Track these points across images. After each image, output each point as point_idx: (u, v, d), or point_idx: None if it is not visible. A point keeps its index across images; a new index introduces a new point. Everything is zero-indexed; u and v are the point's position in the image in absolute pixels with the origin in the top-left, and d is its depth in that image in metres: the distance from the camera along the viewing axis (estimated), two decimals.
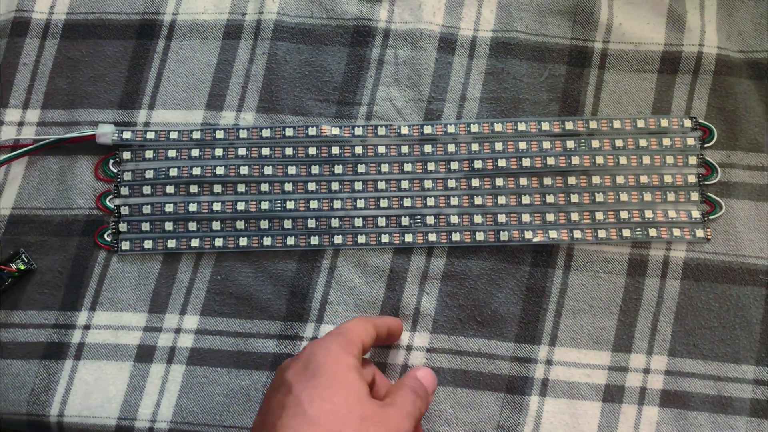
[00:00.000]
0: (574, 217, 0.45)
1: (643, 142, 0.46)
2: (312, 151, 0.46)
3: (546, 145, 0.46)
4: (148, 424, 0.44)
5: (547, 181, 0.46)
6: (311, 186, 0.46)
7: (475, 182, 0.46)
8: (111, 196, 0.47)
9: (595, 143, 0.46)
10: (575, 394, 0.44)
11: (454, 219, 0.45)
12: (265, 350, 0.45)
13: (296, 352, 0.45)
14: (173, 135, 0.47)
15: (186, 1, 0.49)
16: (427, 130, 0.46)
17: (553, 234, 0.45)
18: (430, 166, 0.46)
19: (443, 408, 0.44)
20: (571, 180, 0.46)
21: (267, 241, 0.46)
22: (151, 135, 0.47)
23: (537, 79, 0.47)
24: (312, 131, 0.46)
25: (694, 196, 0.46)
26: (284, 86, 0.48)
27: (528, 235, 0.45)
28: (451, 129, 0.46)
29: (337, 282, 0.46)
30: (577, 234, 0.45)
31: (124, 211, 0.46)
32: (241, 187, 0.46)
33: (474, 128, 0.46)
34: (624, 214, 0.45)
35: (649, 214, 0.45)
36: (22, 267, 0.45)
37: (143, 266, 0.46)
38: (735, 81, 0.47)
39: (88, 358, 0.45)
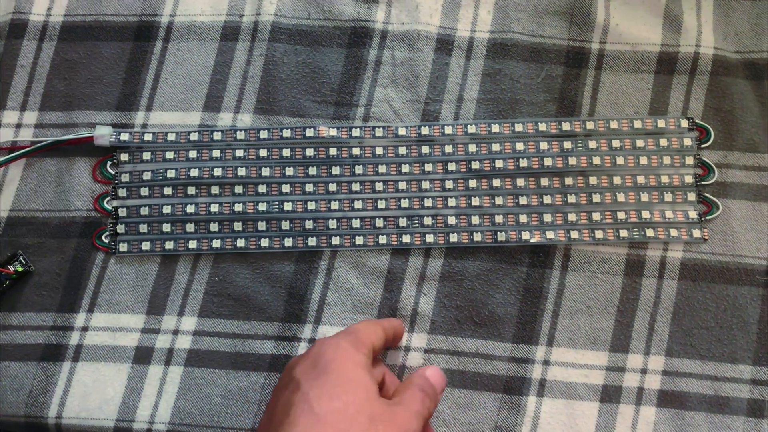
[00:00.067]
0: (571, 217, 0.45)
1: (640, 143, 0.46)
2: (309, 152, 0.46)
3: (543, 145, 0.46)
4: (146, 426, 0.44)
5: (545, 181, 0.46)
6: (309, 187, 0.46)
7: (473, 183, 0.46)
8: (109, 198, 0.47)
9: (592, 144, 0.46)
10: (573, 395, 0.44)
11: (452, 220, 0.46)
12: (263, 351, 0.45)
13: (294, 353, 0.45)
14: (171, 136, 0.47)
15: (183, 3, 0.49)
16: (425, 131, 0.46)
17: (550, 234, 0.45)
18: (428, 167, 0.46)
19: (441, 408, 0.44)
20: (568, 180, 0.46)
21: (265, 242, 0.46)
22: (148, 137, 0.47)
23: (534, 80, 0.48)
24: (309, 132, 0.46)
25: (691, 196, 0.46)
26: (281, 88, 0.48)
27: (525, 235, 0.45)
28: (448, 130, 0.46)
29: (335, 283, 0.46)
30: (575, 234, 0.45)
31: (122, 212, 0.46)
32: (238, 189, 0.46)
33: (471, 129, 0.46)
34: (621, 215, 0.45)
35: (646, 214, 0.45)
36: (20, 269, 0.45)
37: (141, 268, 0.46)
38: (731, 81, 0.47)
39: (86, 359, 0.45)
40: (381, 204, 0.46)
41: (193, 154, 0.47)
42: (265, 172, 0.46)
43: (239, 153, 0.46)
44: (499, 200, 0.46)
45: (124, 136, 0.47)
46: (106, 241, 0.46)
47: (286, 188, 0.46)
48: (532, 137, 0.47)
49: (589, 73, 0.47)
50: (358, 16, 0.48)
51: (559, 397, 0.44)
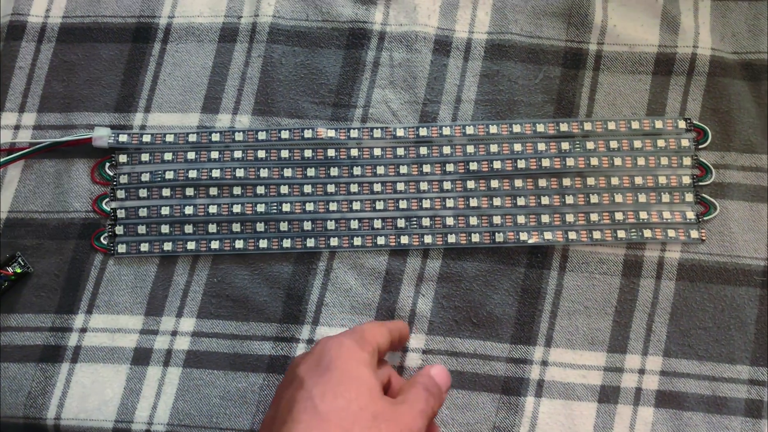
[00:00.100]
0: (569, 218, 0.46)
1: (637, 144, 0.46)
2: (308, 153, 0.46)
3: (541, 146, 0.46)
4: (144, 427, 0.44)
5: (542, 182, 0.46)
6: (307, 188, 0.46)
7: (471, 184, 0.46)
8: (107, 199, 0.47)
9: (590, 145, 0.46)
10: (571, 395, 0.44)
11: (450, 221, 0.46)
12: (261, 352, 0.45)
13: (292, 354, 0.45)
14: (169, 138, 0.47)
15: (182, 5, 0.49)
16: (423, 132, 0.47)
17: (548, 235, 0.45)
18: (426, 168, 0.46)
19: (439, 409, 0.44)
20: (566, 181, 0.46)
21: (263, 243, 0.46)
22: (147, 138, 0.47)
23: (532, 81, 0.48)
24: (308, 134, 0.47)
25: (689, 197, 0.46)
26: (280, 89, 0.48)
27: (523, 236, 0.45)
28: (446, 131, 0.46)
29: (333, 284, 0.46)
30: (572, 235, 0.45)
31: (121, 214, 0.46)
32: (237, 190, 0.46)
33: (469, 130, 0.46)
34: (619, 215, 0.46)
35: (643, 215, 0.46)
36: (19, 270, 0.45)
37: (139, 269, 0.46)
38: (729, 82, 0.47)
39: (85, 361, 0.45)
40: (379, 205, 0.46)
41: (191, 155, 0.47)
42: (264, 173, 0.46)
43: (238, 154, 0.46)
44: (497, 201, 0.46)
45: (123, 138, 0.47)
46: (105, 242, 0.46)
47: (284, 189, 0.46)
48: (530, 138, 0.47)
49: (586, 74, 0.48)
50: (356, 18, 0.49)
51: (557, 397, 0.44)
